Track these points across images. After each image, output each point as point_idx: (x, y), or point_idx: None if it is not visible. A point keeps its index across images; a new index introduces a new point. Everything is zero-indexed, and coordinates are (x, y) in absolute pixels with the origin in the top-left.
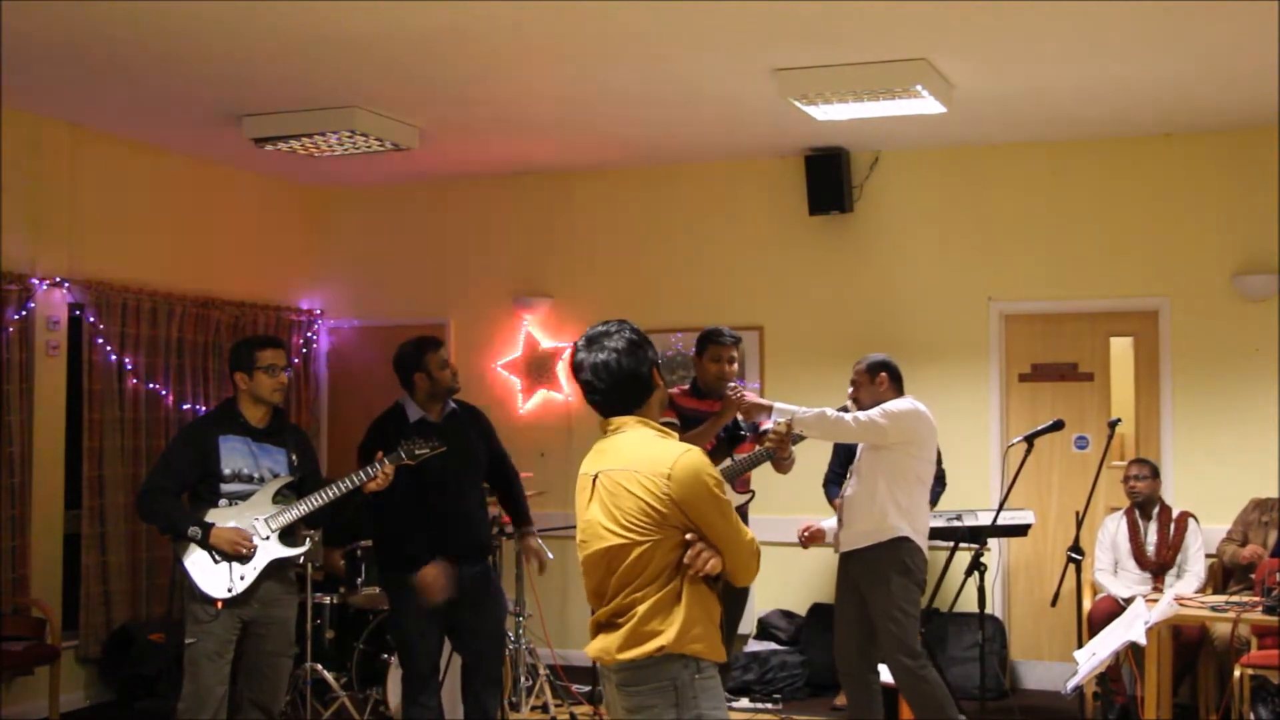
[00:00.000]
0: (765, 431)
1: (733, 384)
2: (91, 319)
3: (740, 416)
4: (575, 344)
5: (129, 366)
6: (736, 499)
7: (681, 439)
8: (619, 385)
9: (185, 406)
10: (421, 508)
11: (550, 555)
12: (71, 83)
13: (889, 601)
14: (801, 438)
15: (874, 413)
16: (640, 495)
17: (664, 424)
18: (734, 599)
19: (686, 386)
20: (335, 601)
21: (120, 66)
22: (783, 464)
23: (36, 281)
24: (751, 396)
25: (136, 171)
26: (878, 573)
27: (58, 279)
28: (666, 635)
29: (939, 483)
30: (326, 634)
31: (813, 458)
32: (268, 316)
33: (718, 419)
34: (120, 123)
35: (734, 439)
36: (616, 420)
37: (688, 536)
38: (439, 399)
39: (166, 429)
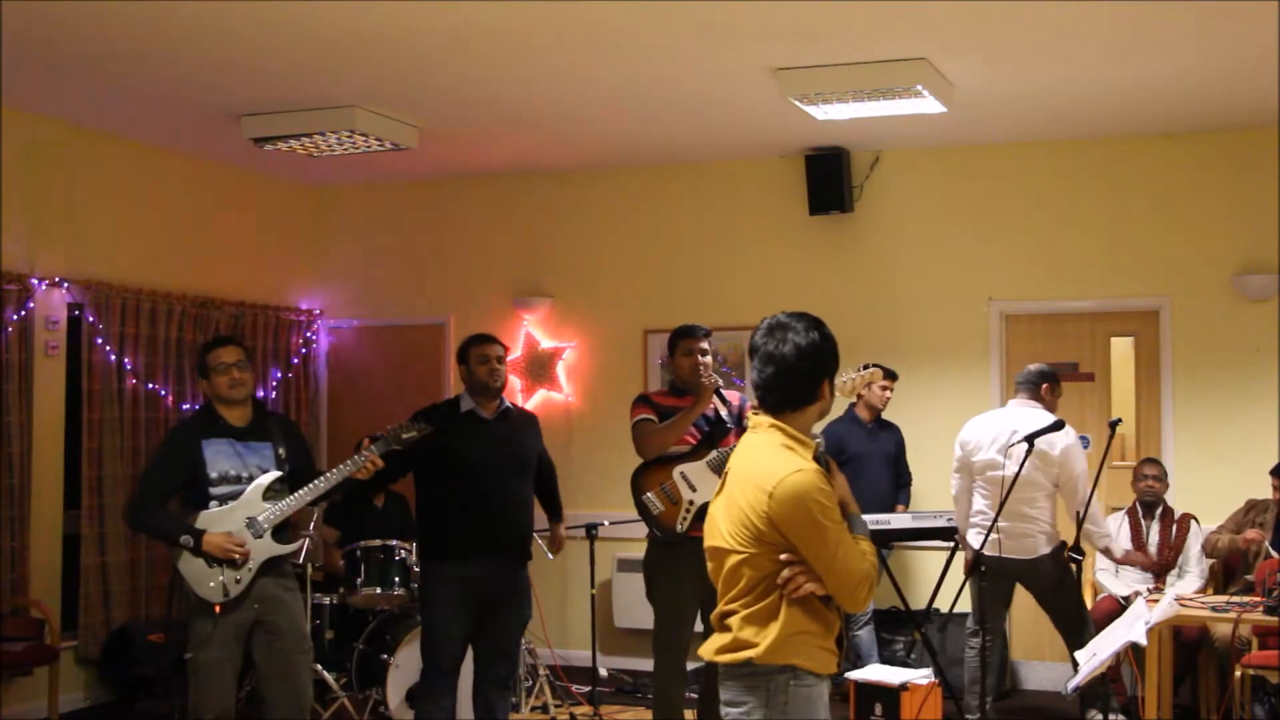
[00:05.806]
0: (747, 422)
1: (707, 374)
2: (91, 319)
3: (720, 409)
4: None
5: (128, 366)
6: None
7: (656, 432)
8: (775, 382)
9: (185, 406)
10: (467, 500)
11: (550, 556)
12: (71, 83)
13: None
14: None
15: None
16: (743, 507)
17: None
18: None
19: (665, 387)
20: (335, 602)
21: (120, 66)
22: None
23: (36, 281)
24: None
25: (136, 171)
26: None
27: (57, 279)
28: (758, 649)
29: (903, 482)
30: (326, 634)
31: None
32: (268, 316)
33: (690, 411)
34: (120, 123)
35: (717, 431)
36: (755, 418)
37: (782, 557)
38: (479, 394)
39: (166, 429)
